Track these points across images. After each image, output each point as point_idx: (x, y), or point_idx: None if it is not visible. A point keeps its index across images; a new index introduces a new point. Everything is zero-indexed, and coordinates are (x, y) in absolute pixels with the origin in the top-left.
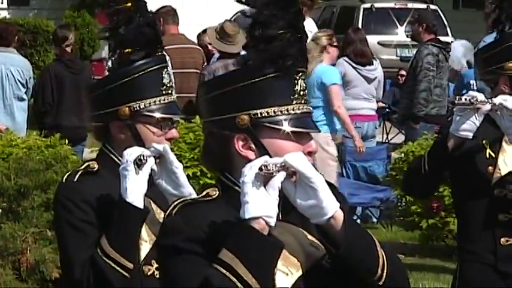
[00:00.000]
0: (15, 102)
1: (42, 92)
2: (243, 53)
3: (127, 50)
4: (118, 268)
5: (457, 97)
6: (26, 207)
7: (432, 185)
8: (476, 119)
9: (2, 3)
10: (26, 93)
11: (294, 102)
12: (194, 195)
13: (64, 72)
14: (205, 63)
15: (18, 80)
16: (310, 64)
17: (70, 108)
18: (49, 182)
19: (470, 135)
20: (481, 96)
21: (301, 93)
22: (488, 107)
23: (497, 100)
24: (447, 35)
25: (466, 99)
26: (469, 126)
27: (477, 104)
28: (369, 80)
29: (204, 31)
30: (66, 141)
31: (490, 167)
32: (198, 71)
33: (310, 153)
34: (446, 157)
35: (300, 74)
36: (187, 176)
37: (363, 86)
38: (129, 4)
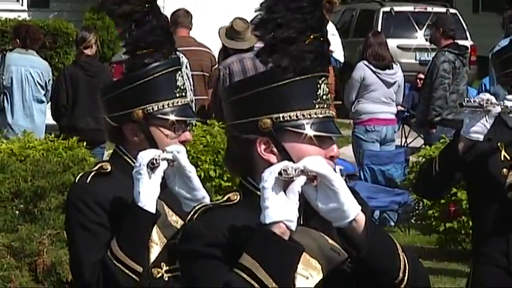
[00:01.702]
0: (34, 104)
1: (57, 94)
2: (258, 45)
3: (141, 52)
4: (128, 271)
5: (467, 99)
6: (43, 208)
7: (442, 187)
8: (486, 121)
9: (22, 5)
10: (45, 95)
11: (317, 106)
12: (207, 198)
13: (80, 75)
14: (216, 64)
15: (37, 82)
16: None
17: (86, 110)
18: (66, 184)
19: (480, 137)
20: (491, 98)
21: (324, 97)
22: (498, 109)
23: (509, 102)
24: (466, 38)
25: (475, 101)
26: (479, 129)
27: (488, 106)
28: (388, 84)
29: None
30: (84, 143)
31: (505, 170)
32: (205, 73)
33: (332, 158)
34: (456, 159)
35: (323, 78)
36: (204, 177)
37: (382, 89)
38: (143, 7)
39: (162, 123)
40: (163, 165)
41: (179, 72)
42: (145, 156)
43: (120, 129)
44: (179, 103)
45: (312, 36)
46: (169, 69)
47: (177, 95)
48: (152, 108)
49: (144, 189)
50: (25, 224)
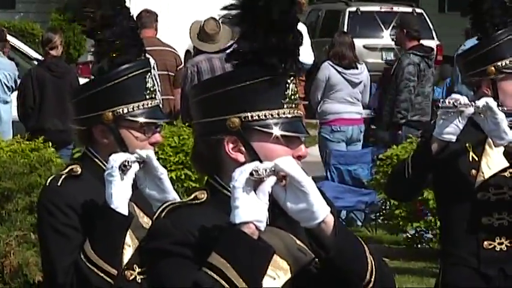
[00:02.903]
0: (1, 106)
1: (24, 95)
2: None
3: (111, 54)
4: (102, 274)
5: (441, 100)
6: (10, 210)
7: (416, 189)
8: (459, 122)
9: None
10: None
11: (285, 106)
12: (178, 200)
13: (46, 75)
14: (181, 64)
15: (4, 83)
16: None
17: (53, 111)
18: (33, 185)
19: (453, 138)
20: (464, 99)
21: (292, 97)
22: (471, 110)
23: (481, 103)
24: (433, 38)
25: (449, 102)
26: (452, 130)
27: (460, 107)
28: (354, 84)
29: None
30: (50, 144)
31: (473, 170)
32: (169, 73)
33: (299, 158)
34: (430, 161)
35: (292, 78)
36: (171, 179)
37: (348, 89)
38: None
39: (132, 125)
40: (135, 167)
41: (149, 74)
42: (117, 158)
43: (90, 131)
44: (149, 105)
45: (286, 35)
46: (139, 71)
47: (147, 97)
48: (122, 110)
49: (117, 191)
50: None
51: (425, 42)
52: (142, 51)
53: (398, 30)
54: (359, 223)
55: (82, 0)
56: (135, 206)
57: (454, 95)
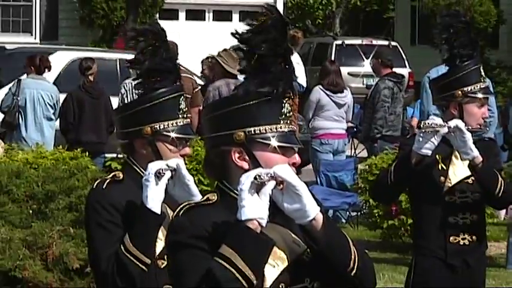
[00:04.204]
0: (45, 121)
1: (66, 113)
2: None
3: (152, 79)
4: (138, 263)
5: (422, 122)
6: (53, 208)
7: (396, 194)
8: (435, 139)
9: (35, 38)
10: (53, 113)
11: (282, 122)
12: (193, 201)
13: (84, 97)
14: (197, 88)
15: (47, 102)
16: None
17: (89, 127)
18: (72, 188)
19: (429, 153)
20: (439, 121)
21: (288, 114)
22: (445, 129)
23: (452, 123)
24: (405, 67)
25: (428, 123)
26: (429, 146)
27: (436, 127)
28: (340, 105)
29: (207, 58)
30: (87, 154)
31: (442, 178)
32: (187, 95)
33: (294, 165)
34: (409, 171)
35: (287, 98)
36: None
37: (334, 109)
38: (155, 41)
39: (166, 139)
40: (168, 174)
41: (182, 97)
42: (153, 166)
43: (132, 143)
44: (181, 123)
45: (280, 64)
46: (175, 94)
47: (180, 116)
48: (159, 126)
49: (152, 194)
50: (37, 221)
51: (399, 70)
52: (178, 78)
53: (374, 60)
54: (343, 220)
55: (130, 35)
56: (167, 207)
57: (431, 117)
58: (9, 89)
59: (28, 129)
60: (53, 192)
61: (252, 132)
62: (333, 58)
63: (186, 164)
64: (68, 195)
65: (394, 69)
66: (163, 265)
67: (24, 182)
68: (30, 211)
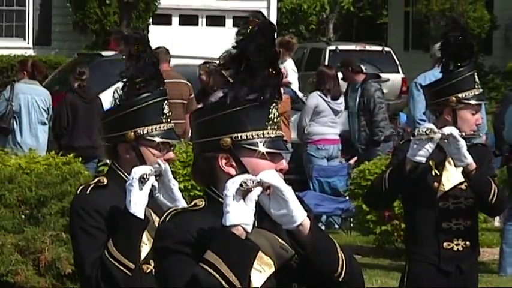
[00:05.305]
0: (39, 126)
1: (59, 118)
2: None
3: (136, 85)
4: (121, 267)
5: (416, 129)
6: (45, 213)
7: (391, 200)
8: (430, 146)
9: (28, 43)
10: (47, 118)
11: (269, 127)
12: (180, 207)
13: (78, 101)
14: (193, 94)
15: (41, 107)
16: None
17: (82, 131)
18: (64, 193)
19: (423, 160)
20: (434, 128)
21: (275, 120)
22: (439, 136)
23: (447, 131)
24: (399, 72)
25: (423, 130)
26: (423, 153)
27: (431, 134)
28: (336, 112)
29: (204, 63)
30: (80, 159)
31: (436, 183)
32: (183, 101)
33: (281, 170)
34: (404, 178)
35: (274, 104)
36: (180, 189)
37: (330, 116)
38: (138, 47)
39: (150, 144)
40: (152, 179)
41: (166, 101)
42: (137, 171)
43: (115, 148)
44: (165, 127)
45: (268, 69)
46: (158, 99)
47: (163, 120)
48: (142, 131)
49: (135, 198)
50: (30, 226)
51: (392, 76)
52: (161, 83)
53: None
54: (336, 226)
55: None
56: (151, 211)
57: (426, 124)
58: (3, 94)
59: (23, 134)
60: (46, 197)
61: (239, 138)
62: (326, 64)
63: (179, 169)
64: (60, 200)
65: (388, 75)
66: (149, 270)
67: (16, 187)
68: (23, 216)
